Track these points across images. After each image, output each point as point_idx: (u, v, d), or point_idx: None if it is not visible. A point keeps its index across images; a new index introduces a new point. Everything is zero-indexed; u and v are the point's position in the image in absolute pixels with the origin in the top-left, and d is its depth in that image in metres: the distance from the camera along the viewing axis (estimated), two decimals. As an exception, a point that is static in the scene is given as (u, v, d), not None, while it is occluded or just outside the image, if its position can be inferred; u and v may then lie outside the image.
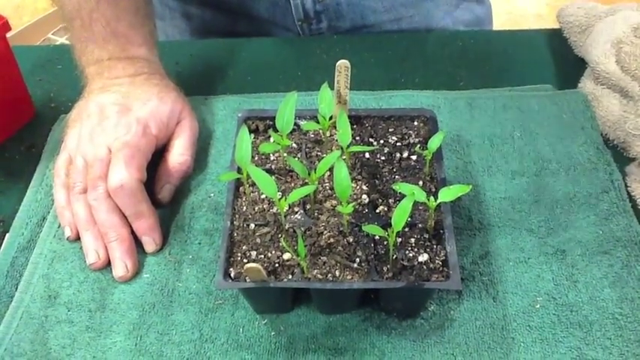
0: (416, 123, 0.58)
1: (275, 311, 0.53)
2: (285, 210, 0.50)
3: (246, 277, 0.47)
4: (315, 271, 0.47)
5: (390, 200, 0.52)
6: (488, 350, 0.50)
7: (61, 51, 0.81)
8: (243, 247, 0.49)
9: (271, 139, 0.56)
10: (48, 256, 0.57)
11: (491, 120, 0.67)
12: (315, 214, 0.51)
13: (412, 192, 0.47)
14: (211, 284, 0.54)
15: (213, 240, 0.57)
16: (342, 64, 0.53)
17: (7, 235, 0.59)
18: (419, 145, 0.56)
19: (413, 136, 0.57)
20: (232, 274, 0.47)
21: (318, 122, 0.54)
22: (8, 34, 0.65)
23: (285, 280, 0.47)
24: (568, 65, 0.74)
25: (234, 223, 0.51)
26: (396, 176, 0.54)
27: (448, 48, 0.78)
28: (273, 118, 0.54)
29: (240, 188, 0.53)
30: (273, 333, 0.52)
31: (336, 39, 0.82)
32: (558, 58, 0.76)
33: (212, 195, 0.61)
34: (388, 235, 0.46)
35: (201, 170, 0.63)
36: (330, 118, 0.54)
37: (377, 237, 0.49)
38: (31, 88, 0.71)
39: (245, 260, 0.48)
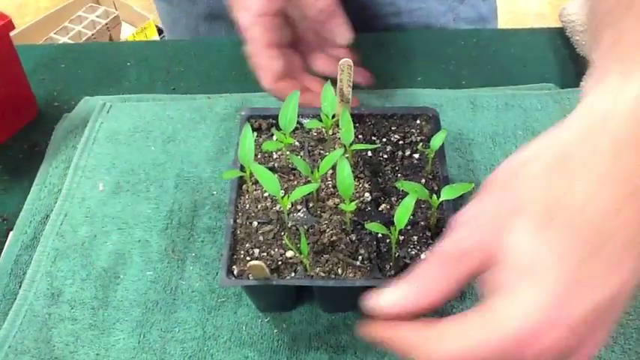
0: (418, 121, 0.58)
1: (278, 309, 0.53)
2: (288, 208, 0.50)
3: (249, 275, 0.47)
4: (318, 268, 0.48)
5: (393, 198, 0.52)
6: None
7: (64, 50, 0.82)
8: (246, 245, 0.49)
9: (274, 138, 0.56)
10: (51, 254, 0.57)
11: (493, 119, 0.67)
12: (318, 212, 0.51)
13: (415, 190, 0.47)
14: (214, 282, 0.55)
15: (216, 238, 0.58)
16: (345, 62, 0.53)
17: (11, 233, 0.60)
18: (421, 144, 0.56)
19: (415, 134, 0.57)
20: (235, 272, 0.48)
21: (321, 120, 0.54)
22: (11, 33, 0.65)
23: (288, 277, 0.47)
24: (570, 64, 0.74)
25: (237, 221, 0.51)
26: (399, 174, 0.54)
27: (451, 47, 0.78)
28: (276, 117, 0.54)
29: (244, 186, 0.53)
30: (275, 331, 0.52)
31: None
32: (560, 57, 0.76)
33: (215, 193, 0.61)
34: (391, 232, 0.46)
35: (204, 168, 0.63)
36: (333, 116, 0.54)
37: (379, 235, 0.49)
38: (34, 87, 0.71)
39: (248, 258, 0.49)
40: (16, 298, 0.54)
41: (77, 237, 0.58)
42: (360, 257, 0.48)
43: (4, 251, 0.58)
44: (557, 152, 0.34)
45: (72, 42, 1.97)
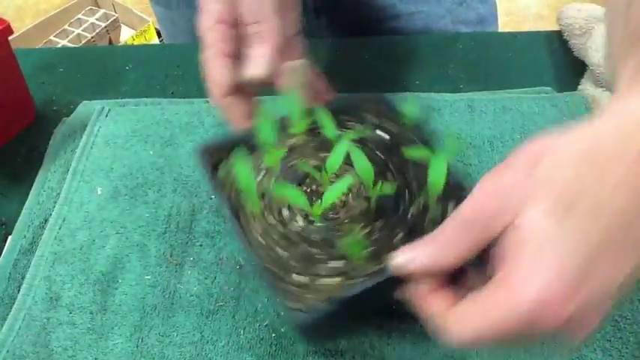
0: (375, 107, 0.56)
1: (335, 336, 0.51)
2: (295, 228, 0.48)
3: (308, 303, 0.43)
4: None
5: (388, 174, 0.51)
6: (489, 352, 0.50)
7: (62, 54, 0.82)
8: (282, 274, 0.46)
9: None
10: (49, 258, 0.57)
11: (491, 122, 0.67)
12: (330, 215, 0.49)
13: (427, 153, 0.46)
14: (212, 286, 0.55)
15: (214, 242, 0.58)
16: (295, 64, 0.53)
17: (10, 237, 0.60)
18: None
19: (372, 118, 0.56)
20: (291, 305, 0.43)
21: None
22: (10, 37, 0.65)
23: (358, 281, 0.44)
24: (568, 67, 0.74)
25: (260, 253, 0.47)
26: (377, 153, 0.53)
27: (448, 50, 0.78)
28: (233, 145, 0.53)
29: (241, 218, 0.50)
30: (274, 335, 0.52)
31: (336, 42, 0.82)
32: (558, 61, 0.76)
33: (213, 197, 0.61)
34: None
35: (201, 172, 0.63)
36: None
37: (408, 214, 0.48)
38: (32, 91, 0.72)
39: (294, 288, 0.45)
40: (14, 303, 0.54)
41: (76, 241, 0.58)
42: (397, 237, 0.47)
43: (2, 255, 0.58)
44: (590, 143, 0.35)
45: (71, 45, 1.97)
